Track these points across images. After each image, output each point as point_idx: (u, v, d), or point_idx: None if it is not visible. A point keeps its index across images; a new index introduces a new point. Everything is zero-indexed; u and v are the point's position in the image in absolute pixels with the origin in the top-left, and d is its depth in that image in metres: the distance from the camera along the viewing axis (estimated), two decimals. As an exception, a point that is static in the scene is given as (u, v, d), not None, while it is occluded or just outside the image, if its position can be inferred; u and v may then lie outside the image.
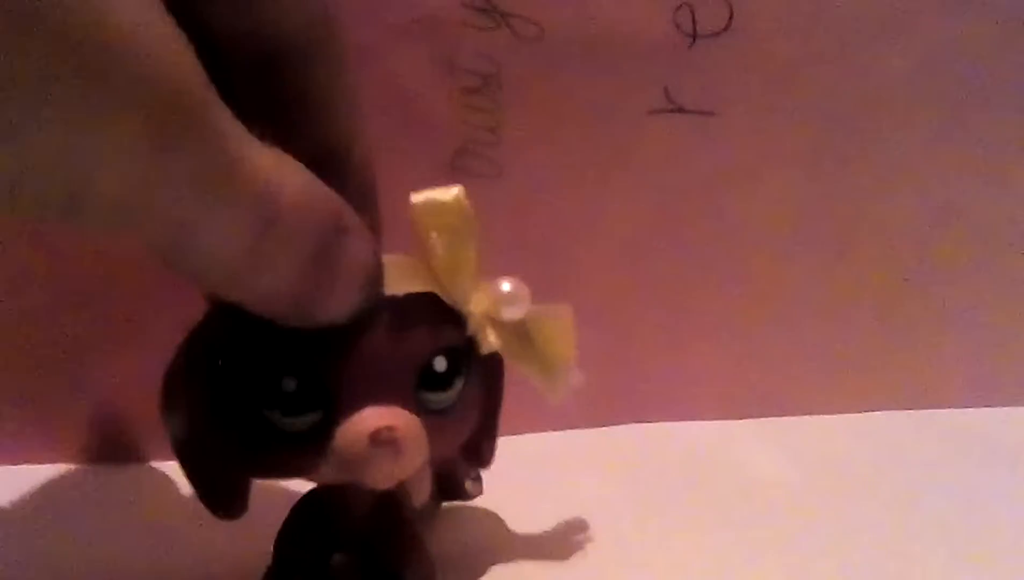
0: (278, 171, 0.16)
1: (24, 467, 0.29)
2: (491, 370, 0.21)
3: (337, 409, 0.17)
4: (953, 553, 0.23)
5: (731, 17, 0.31)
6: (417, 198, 0.18)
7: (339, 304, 0.17)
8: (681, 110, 0.31)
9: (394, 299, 0.18)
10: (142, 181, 0.13)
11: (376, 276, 0.18)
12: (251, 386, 0.17)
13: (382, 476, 0.17)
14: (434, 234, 0.18)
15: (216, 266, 0.16)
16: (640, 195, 0.32)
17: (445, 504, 0.26)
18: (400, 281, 0.18)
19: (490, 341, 0.19)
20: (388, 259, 0.18)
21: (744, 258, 0.33)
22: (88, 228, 0.14)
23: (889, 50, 0.32)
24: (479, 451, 0.21)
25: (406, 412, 0.18)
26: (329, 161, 0.18)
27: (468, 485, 0.26)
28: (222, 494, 0.19)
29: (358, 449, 0.17)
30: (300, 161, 0.16)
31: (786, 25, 0.31)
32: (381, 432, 0.17)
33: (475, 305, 0.19)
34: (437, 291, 0.19)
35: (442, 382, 0.18)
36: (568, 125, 0.31)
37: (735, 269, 0.33)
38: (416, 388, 0.18)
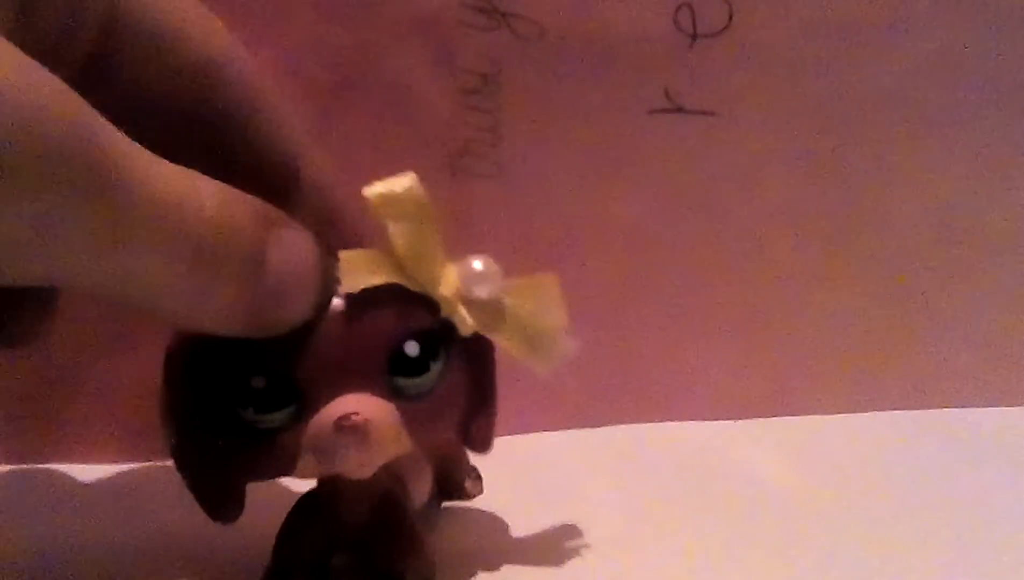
0: (191, 186, 0.15)
1: (25, 467, 0.29)
2: (478, 351, 0.20)
3: (308, 402, 0.17)
4: (953, 553, 0.23)
5: (731, 17, 0.31)
6: (370, 191, 0.18)
7: (295, 303, 0.17)
8: (681, 110, 0.31)
9: (362, 291, 0.18)
10: (42, 228, 0.13)
11: (323, 265, 0.18)
12: (224, 387, 0.18)
13: (352, 463, 0.17)
14: (392, 224, 0.18)
15: (157, 299, 0.15)
16: (640, 195, 0.32)
17: (445, 504, 0.26)
18: (365, 273, 0.18)
19: (466, 322, 0.19)
20: (353, 254, 0.18)
21: (744, 258, 0.33)
22: (4, 280, 0.14)
23: (889, 50, 0.32)
24: (475, 434, 0.21)
25: (376, 398, 0.18)
26: (275, 190, 0.19)
27: (468, 484, 0.26)
28: (216, 498, 0.19)
29: (325, 437, 0.17)
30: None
31: (786, 25, 0.31)
32: (344, 419, 0.17)
33: (445, 287, 0.19)
34: (403, 279, 0.19)
35: (416, 367, 0.18)
36: (568, 125, 0.31)
37: (735, 269, 0.33)
38: (388, 374, 0.18)
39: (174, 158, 0.16)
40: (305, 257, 0.17)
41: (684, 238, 0.32)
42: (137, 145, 0.14)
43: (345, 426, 0.17)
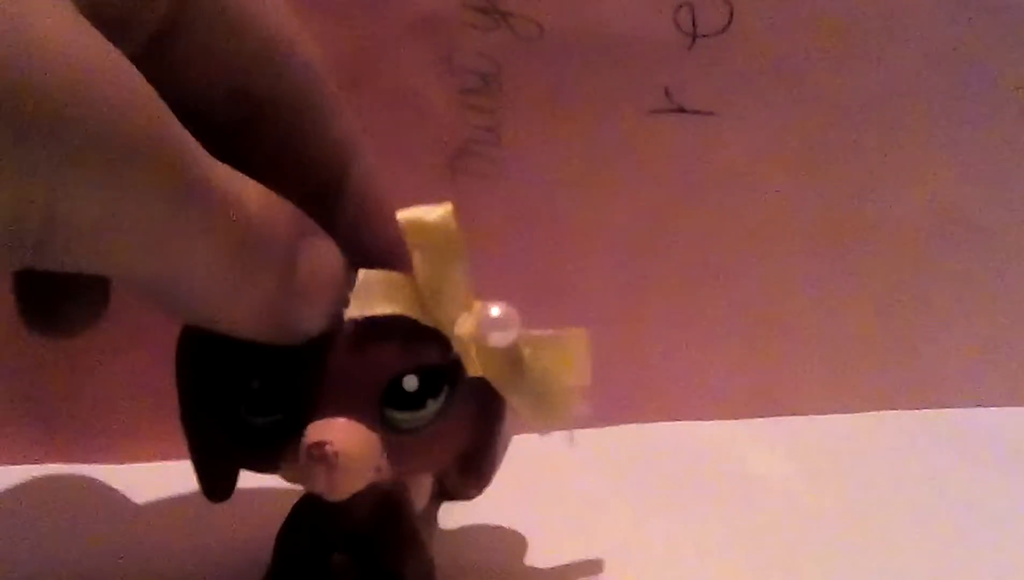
0: (240, 183, 0.16)
1: (24, 467, 0.29)
2: (487, 393, 0.20)
3: (298, 414, 0.18)
4: (953, 553, 0.23)
5: (731, 17, 0.31)
6: (404, 215, 0.18)
7: (316, 313, 0.17)
8: (681, 110, 0.31)
9: (375, 318, 0.18)
10: (110, 216, 0.13)
11: (343, 282, 0.18)
12: (226, 380, 0.19)
13: (320, 488, 0.17)
14: (419, 253, 0.18)
15: (197, 293, 0.16)
16: (640, 195, 0.32)
17: (445, 504, 0.26)
18: (381, 299, 0.18)
19: (474, 366, 0.18)
20: (374, 275, 0.18)
21: (744, 258, 0.33)
22: (64, 266, 0.14)
23: (889, 50, 0.32)
24: (468, 474, 0.21)
25: (355, 427, 0.17)
26: (321, 186, 0.19)
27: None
28: (210, 476, 0.20)
29: (301, 458, 0.17)
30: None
31: (786, 25, 0.31)
32: (316, 447, 0.17)
33: (460, 327, 0.18)
34: (419, 310, 0.18)
35: (411, 401, 0.18)
36: (568, 125, 0.31)
37: (735, 269, 0.33)
38: (381, 405, 0.18)
39: (228, 144, 0.16)
40: (332, 268, 0.17)
41: (684, 238, 0.32)
42: (196, 141, 0.15)
43: (315, 454, 0.17)
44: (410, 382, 0.18)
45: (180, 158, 0.14)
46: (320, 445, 0.17)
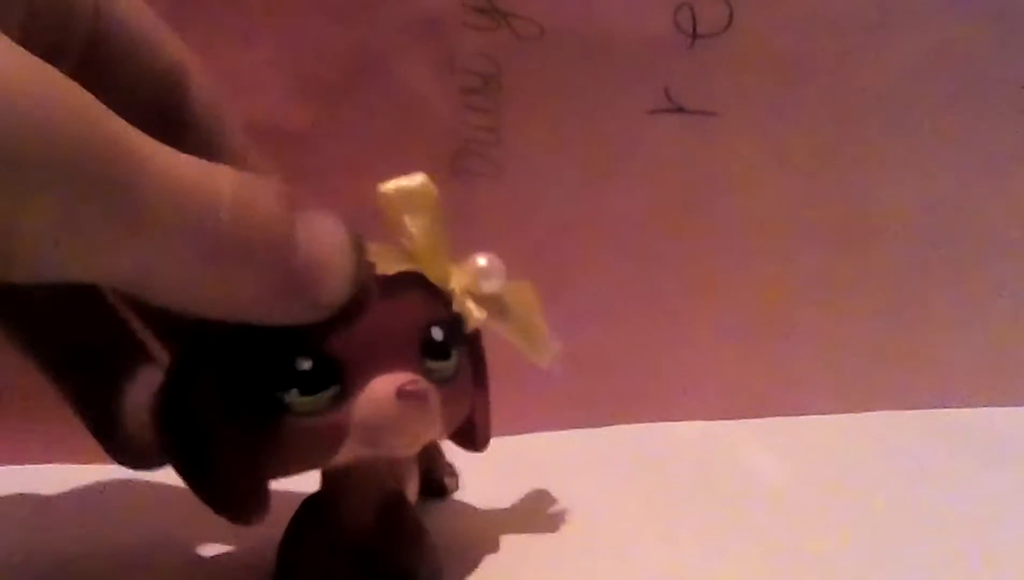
0: (206, 173, 0.15)
1: (24, 467, 0.29)
2: (474, 347, 0.21)
3: (351, 383, 0.18)
4: (953, 553, 0.23)
5: (731, 17, 0.31)
6: (386, 187, 0.19)
7: (331, 284, 0.17)
8: (681, 110, 0.31)
9: (388, 276, 0.18)
10: (69, 222, 0.13)
11: (356, 243, 0.17)
12: (265, 371, 0.17)
13: (410, 435, 0.18)
14: (408, 218, 0.19)
15: (187, 295, 0.15)
16: (640, 195, 0.32)
17: (444, 503, 0.26)
18: (387, 263, 0.19)
19: (475, 315, 0.20)
20: (373, 247, 0.18)
21: (744, 258, 0.33)
22: (39, 277, 0.14)
23: (889, 50, 0.32)
24: (472, 434, 0.21)
25: (418, 375, 0.18)
26: (162, 122, 0.19)
27: (447, 481, 0.26)
28: (241, 497, 0.18)
29: (387, 409, 0.17)
30: None
31: (786, 25, 0.31)
32: (407, 385, 0.17)
33: (455, 282, 0.20)
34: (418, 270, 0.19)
35: (443, 351, 0.19)
36: (568, 125, 0.31)
37: (735, 269, 0.33)
38: (422, 357, 0.19)
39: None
40: (334, 236, 0.17)
41: (684, 238, 0.32)
42: (148, 137, 0.15)
43: (409, 392, 0.17)
44: (437, 333, 0.19)
45: (126, 152, 0.14)
46: (414, 382, 0.17)
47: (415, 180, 0.19)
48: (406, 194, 0.19)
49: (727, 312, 0.33)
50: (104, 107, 0.14)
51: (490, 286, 0.20)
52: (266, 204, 0.16)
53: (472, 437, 0.22)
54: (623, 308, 0.32)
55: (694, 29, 0.31)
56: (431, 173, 0.20)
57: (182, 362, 0.18)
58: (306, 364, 0.17)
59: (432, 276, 0.19)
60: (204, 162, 0.15)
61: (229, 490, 0.18)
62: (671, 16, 0.30)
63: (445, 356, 0.19)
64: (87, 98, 0.14)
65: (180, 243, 0.15)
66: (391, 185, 0.19)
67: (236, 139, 0.22)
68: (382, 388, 0.17)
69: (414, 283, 0.19)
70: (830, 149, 0.32)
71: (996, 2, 0.32)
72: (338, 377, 0.17)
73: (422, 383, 0.18)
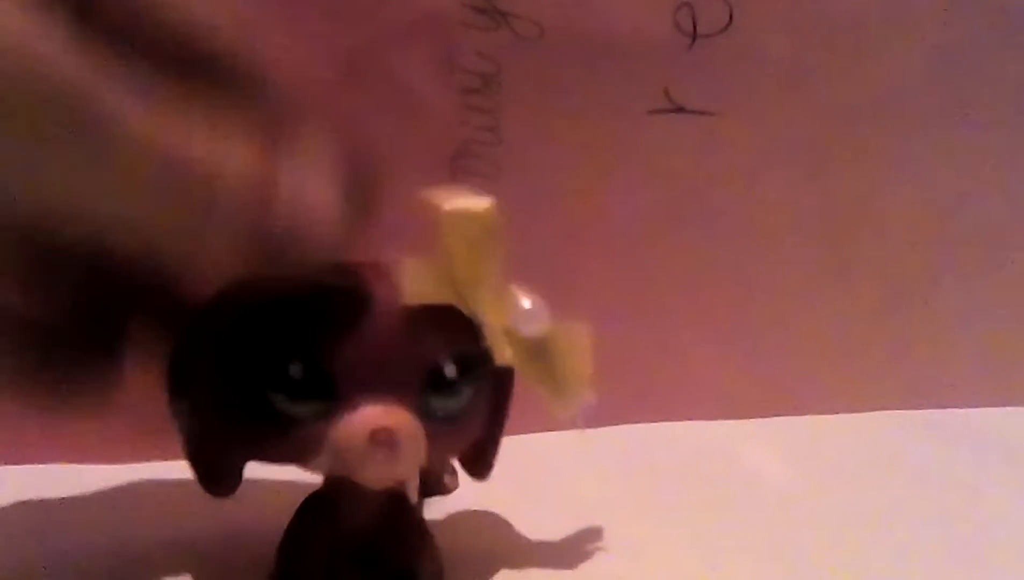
0: (178, 127, 0.15)
1: (24, 467, 0.29)
2: (501, 383, 0.20)
3: (340, 401, 0.17)
4: (953, 553, 0.23)
5: (731, 17, 0.31)
6: (450, 206, 0.18)
7: (314, 235, 0.16)
8: (681, 110, 0.31)
9: (413, 306, 0.18)
10: (34, 166, 0.14)
11: (339, 197, 0.17)
12: (258, 368, 0.18)
13: (375, 475, 0.17)
14: (459, 243, 0.18)
15: (164, 247, 0.16)
16: (640, 195, 0.32)
17: (442, 503, 0.26)
18: (419, 285, 0.18)
19: (504, 354, 0.19)
20: (417, 263, 0.18)
21: (744, 258, 0.33)
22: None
23: (890, 50, 0.32)
24: (479, 462, 0.21)
25: (407, 413, 0.18)
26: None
27: (447, 480, 0.26)
28: (217, 472, 0.19)
29: (356, 445, 0.17)
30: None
31: (786, 25, 0.31)
32: (379, 433, 0.17)
33: (494, 317, 0.19)
34: (454, 298, 0.18)
35: (451, 389, 0.18)
36: (568, 125, 0.31)
37: (735, 269, 0.33)
38: (423, 391, 0.18)
39: None
40: (316, 189, 0.17)
41: (684, 238, 0.32)
42: (122, 92, 0.15)
43: (380, 439, 0.17)
44: (450, 369, 0.18)
45: (99, 104, 0.14)
46: (387, 430, 0.17)
47: (479, 204, 0.18)
48: (464, 217, 0.18)
49: (727, 312, 0.33)
50: (80, 59, 0.14)
51: (529, 331, 0.19)
52: (240, 156, 0.16)
53: (475, 465, 0.21)
54: (623, 308, 0.32)
55: (694, 29, 0.31)
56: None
57: (190, 333, 0.18)
58: (298, 370, 0.17)
59: (467, 306, 0.19)
60: (177, 118, 0.15)
61: (208, 466, 0.19)
62: (671, 16, 0.30)
63: (452, 393, 0.19)
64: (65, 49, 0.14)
65: (149, 194, 0.15)
66: (453, 203, 0.18)
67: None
68: (358, 422, 0.17)
69: (440, 315, 0.18)
70: (830, 149, 0.32)
71: (996, 3, 0.32)
72: (328, 391, 0.17)
73: (401, 429, 0.17)
